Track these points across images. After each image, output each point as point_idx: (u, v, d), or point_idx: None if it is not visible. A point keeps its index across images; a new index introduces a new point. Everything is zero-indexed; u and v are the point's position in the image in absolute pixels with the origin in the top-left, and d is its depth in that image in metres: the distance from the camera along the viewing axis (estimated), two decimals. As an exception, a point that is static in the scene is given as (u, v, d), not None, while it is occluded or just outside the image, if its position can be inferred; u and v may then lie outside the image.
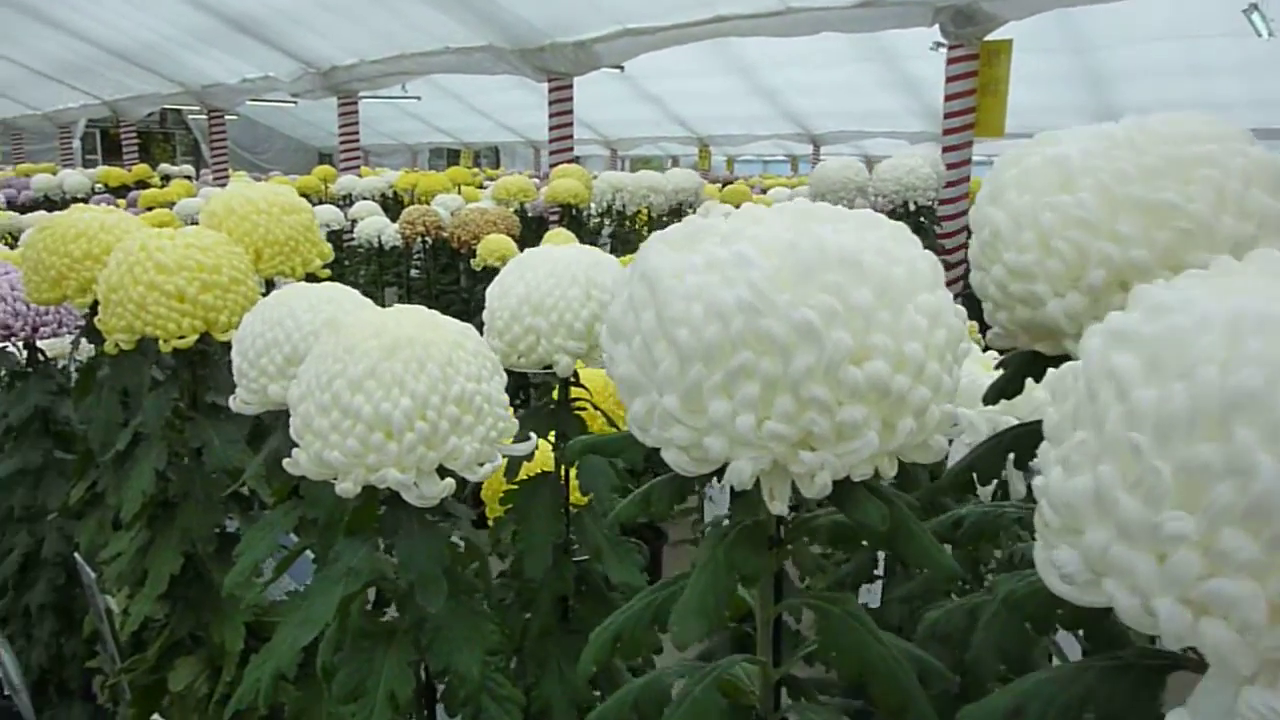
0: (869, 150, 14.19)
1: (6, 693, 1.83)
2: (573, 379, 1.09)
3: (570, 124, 4.99)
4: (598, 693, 1.11)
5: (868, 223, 0.56)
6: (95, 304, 1.42)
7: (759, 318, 0.48)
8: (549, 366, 1.03)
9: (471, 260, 3.39)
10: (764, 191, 5.53)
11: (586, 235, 4.02)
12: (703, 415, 0.50)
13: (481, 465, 0.79)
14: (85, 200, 6.22)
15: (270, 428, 1.49)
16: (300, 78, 5.99)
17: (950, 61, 3.70)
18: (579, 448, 0.62)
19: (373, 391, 0.75)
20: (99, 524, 1.48)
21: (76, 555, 1.46)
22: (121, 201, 5.93)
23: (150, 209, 5.35)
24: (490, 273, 3.40)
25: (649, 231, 3.82)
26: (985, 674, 0.65)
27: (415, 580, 0.80)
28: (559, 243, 3.32)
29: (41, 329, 1.66)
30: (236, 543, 1.34)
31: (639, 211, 3.64)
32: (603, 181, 3.87)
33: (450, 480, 0.78)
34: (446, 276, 4.14)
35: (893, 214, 3.06)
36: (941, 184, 3.11)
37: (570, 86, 4.91)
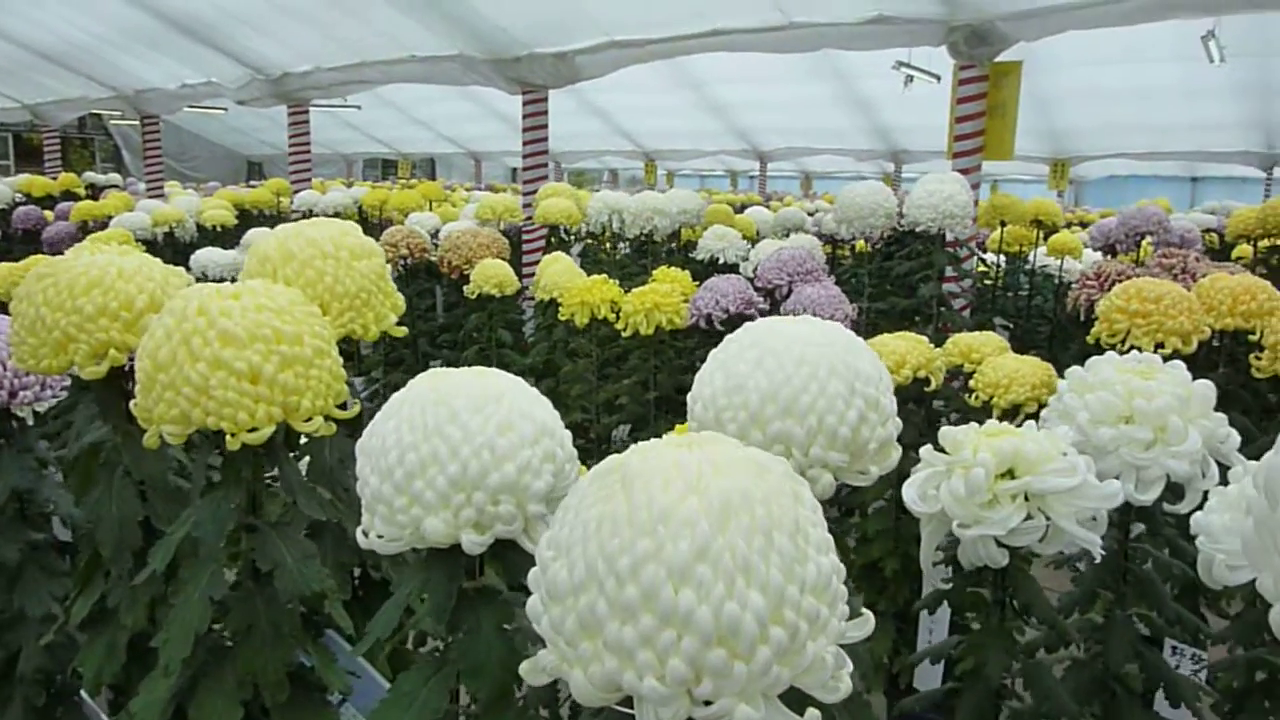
0: (809, 166, 14.24)
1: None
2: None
3: (545, 139, 4.69)
4: None
5: None
6: (112, 373, 1.10)
7: None
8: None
9: (464, 287, 3.09)
10: (741, 209, 5.32)
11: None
12: None
13: (838, 682, 0.53)
14: (8, 211, 5.68)
15: (326, 527, 1.19)
16: (247, 84, 5.56)
17: (961, 83, 3.53)
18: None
19: (709, 584, 0.48)
20: (109, 648, 1.16)
21: (83, 694, 1.14)
22: (49, 213, 5.42)
23: (85, 224, 4.88)
24: (484, 300, 3.11)
25: (639, 253, 3.50)
26: None
27: None
28: (560, 269, 3.05)
29: (21, 393, 1.32)
30: (309, 680, 1.05)
31: (640, 235, 3.37)
32: (599, 201, 3.59)
33: (816, 713, 0.51)
34: (423, 302, 3.82)
35: (927, 244, 2.87)
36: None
37: (545, 99, 4.61)
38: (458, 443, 0.71)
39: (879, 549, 2.17)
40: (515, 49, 4.31)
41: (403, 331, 1.19)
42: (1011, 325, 4.09)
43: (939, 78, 6.83)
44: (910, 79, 6.96)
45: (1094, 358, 1.11)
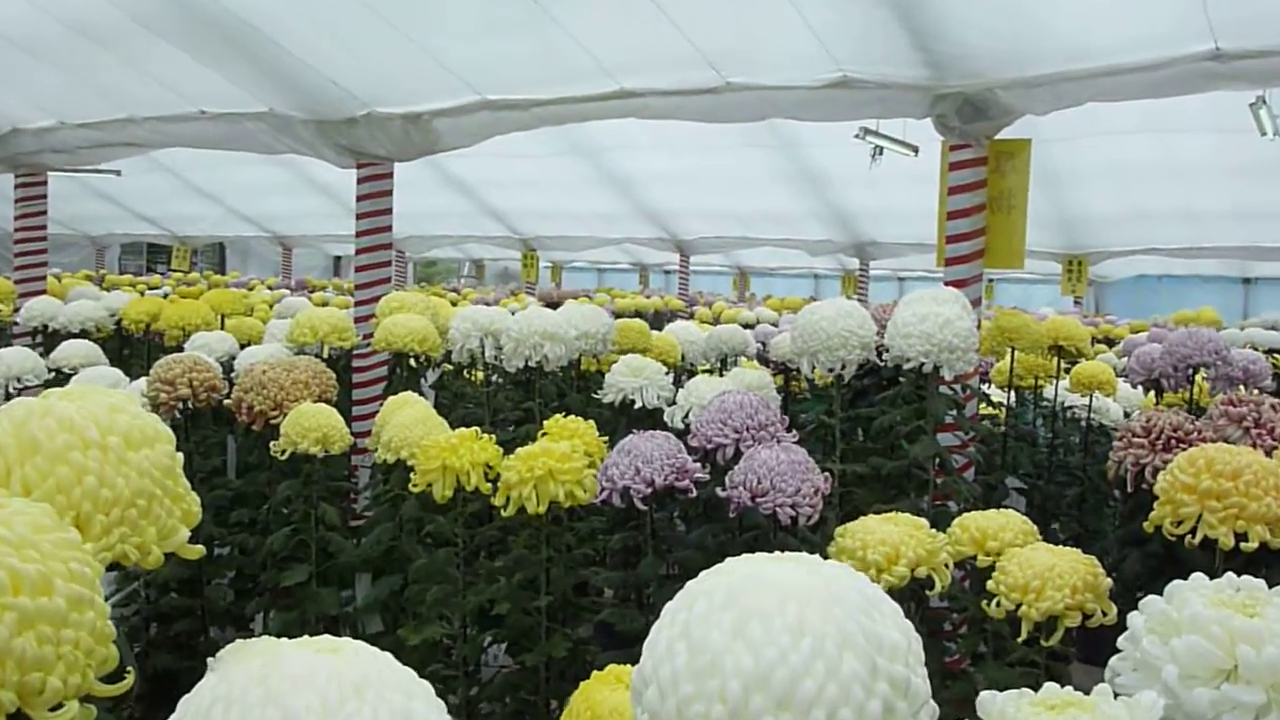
0: (745, 260, 14.67)
1: None
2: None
3: (388, 227, 4.66)
4: None
5: None
6: None
7: None
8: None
9: (271, 444, 3.01)
10: (658, 321, 5.39)
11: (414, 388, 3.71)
12: None
13: None
14: None
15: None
16: (-44, 144, 5.46)
17: (953, 167, 3.69)
18: None
19: None
20: None
21: None
22: None
23: None
24: (300, 461, 3.03)
25: (520, 387, 3.47)
26: None
27: None
28: (411, 417, 3.01)
29: None
30: None
31: (525, 365, 3.35)
32: (467, 321, 3.57)
33: None
34: (209, 462, 3.71)
35: (918, 384, 2.94)
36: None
37: (389, 174, 4.64)
38: (299, 767, 0.66)
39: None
40: (349, 107, 4.35)
41: (199, 551, 1.14)
42: (1028, 486, 4.20)
43: (917, 150, 7.18)
44: (879, 151, 7.27)
45: (1176, 584, 1.12)
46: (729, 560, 0.83)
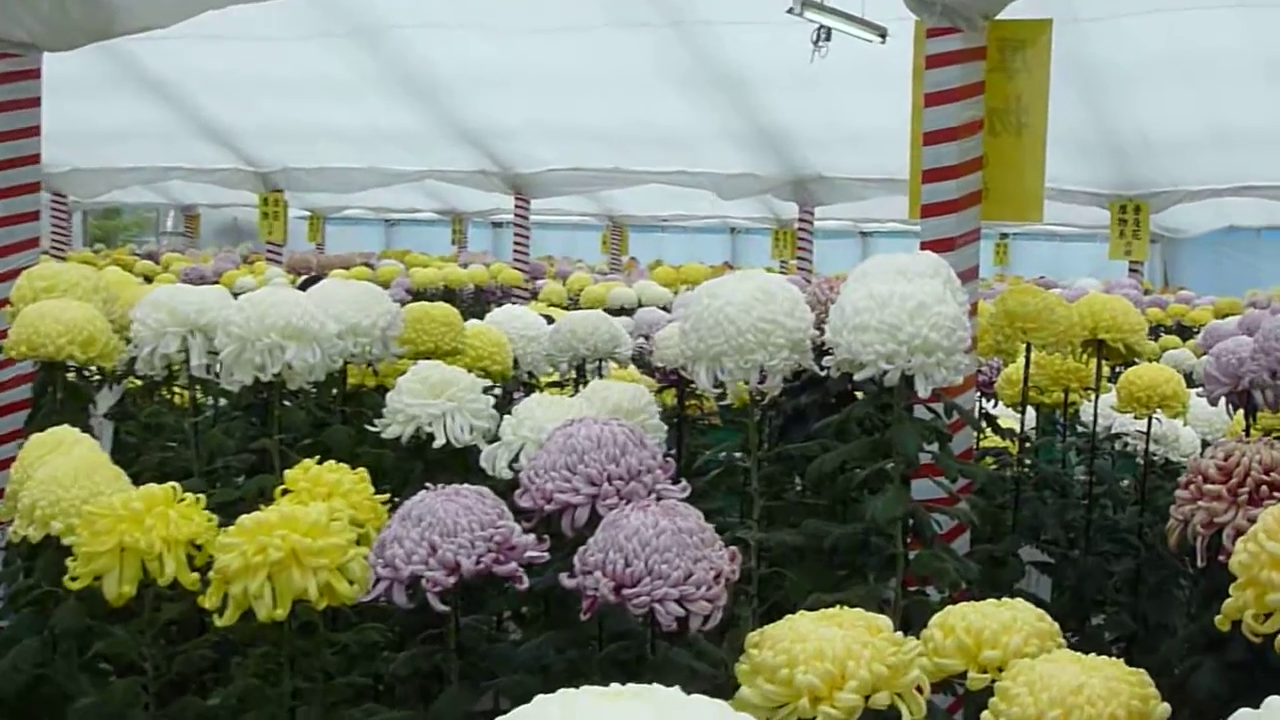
0: (620, 205, 14.77)
1: None
2: None
3: (34, 158, 4.68)
4: None
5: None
6: None
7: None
8: None
9: None
10: (480, 303, 5.36)
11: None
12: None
13: None
14: None
15: None
16: None
17: (931, 63, 3.68)
18: None
19: None
20: None
21: None
22: None
23: None
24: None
25: (254, 414, 3.45)
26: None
27: None
28: (66, 468, 2.99)
29: None
30: None
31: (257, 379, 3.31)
32: (160, 308, 3.46)
33: None
34: None
35: (880, 403, 2.92)
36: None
37: (35, 74, 4.68)
38: None
39: None
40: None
41: None
42: (1054, 560, 4.24)
43: (884, 34, 7.28)
44: (825, 36, 7.34)
45: (1242, 715, 1.17)
46: (538, 700, 0.83)
